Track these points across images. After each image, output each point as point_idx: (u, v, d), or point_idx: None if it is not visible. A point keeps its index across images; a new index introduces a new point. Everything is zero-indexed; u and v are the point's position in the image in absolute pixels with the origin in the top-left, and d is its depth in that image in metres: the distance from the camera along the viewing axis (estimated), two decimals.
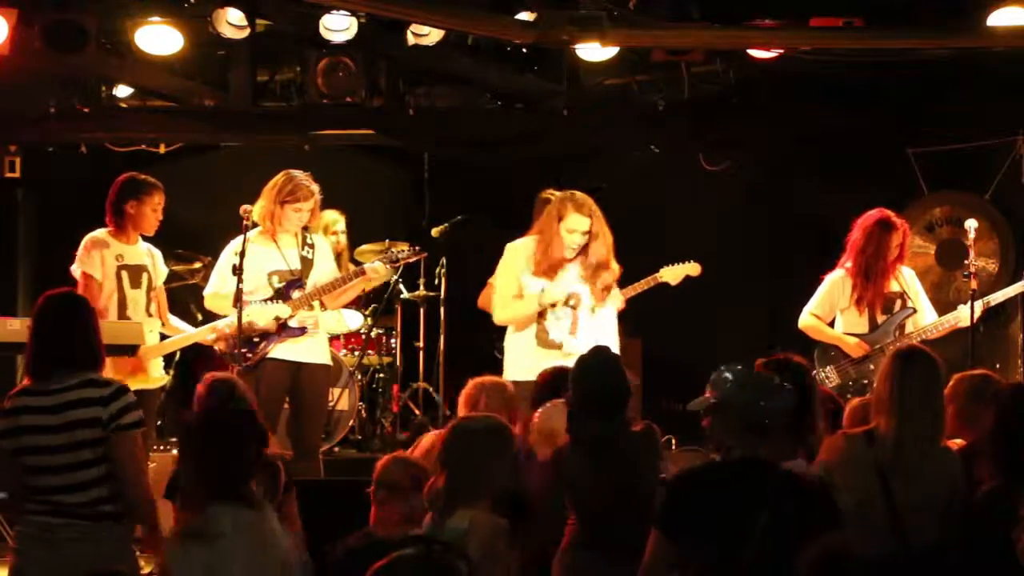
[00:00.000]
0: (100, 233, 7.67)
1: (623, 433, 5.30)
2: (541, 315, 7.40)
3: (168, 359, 9.46)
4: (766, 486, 4.23)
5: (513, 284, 7.44)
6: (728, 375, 4.52)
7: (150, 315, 7.64)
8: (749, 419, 4.40)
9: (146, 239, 7.80)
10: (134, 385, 6.67)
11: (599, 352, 5.57)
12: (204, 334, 7.77)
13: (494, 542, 4.54)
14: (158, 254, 7.87)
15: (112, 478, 4.84)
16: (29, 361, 5.00)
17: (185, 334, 7.83)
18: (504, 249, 7.58)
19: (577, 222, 7.34)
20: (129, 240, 7.68)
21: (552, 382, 6.00)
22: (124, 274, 7.62)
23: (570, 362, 6.94)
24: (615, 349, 6.99)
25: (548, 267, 7.39)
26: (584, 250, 7.41)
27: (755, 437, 4.39)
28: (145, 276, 7.68)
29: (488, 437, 4.78)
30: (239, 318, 7.31)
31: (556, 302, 7.38)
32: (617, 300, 7.64)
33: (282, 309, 7.54)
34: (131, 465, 4.86)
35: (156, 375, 7.68)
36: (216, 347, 7.66)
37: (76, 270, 7.60)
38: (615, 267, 7.52)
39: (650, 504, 5.09)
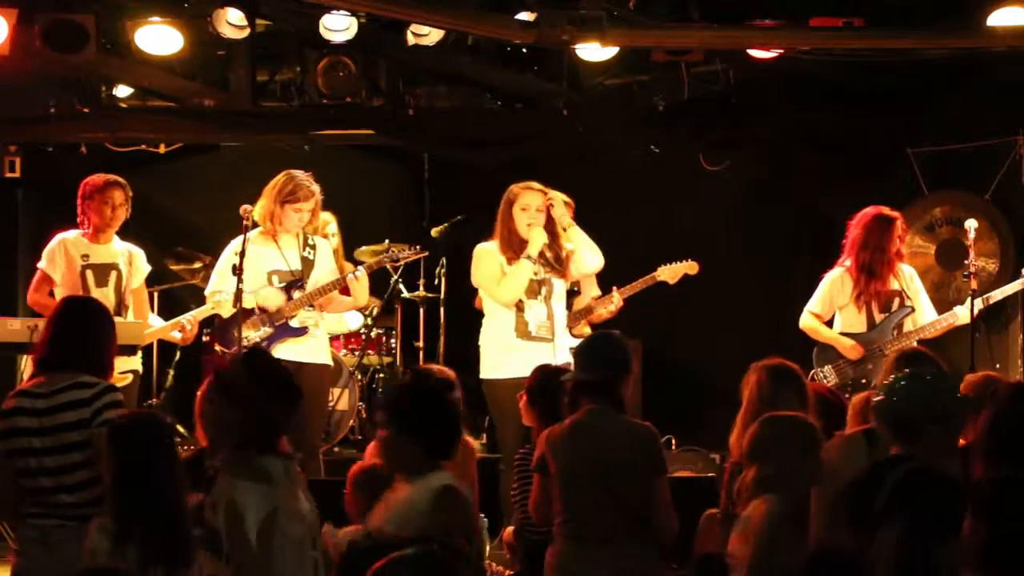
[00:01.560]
0: (70, 233, 7.67)
1: (615, 419, 5.28)
2: (519, 308, 7.44)
3: (167, 359, 9.45)
4: (880, 485, 4.09)
5: (496, 269, 7.48)
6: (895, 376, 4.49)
7: (118, 315, 7.52)
8: (892, 418, 4.38)
9: (124, 237, 7.76)
10: None
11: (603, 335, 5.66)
12: (169, 329, 7.76)
13: (780, 527, 4.60)
14: (139, 253, 7.84)
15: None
16: (37, 360, 5.00)
17: (152, 329, 7.81)
18: (473, 254, 7.60)
19: (529, 199, 7.48)
20: (99, 240, 7.66)
21: (543, 380, 6.01)
22: (89, 273, 7.60)
23: (551, 352, 7.16)
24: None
25: (514, 252, 7.45)
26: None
27: (900, 436, 4.35)
28: (114, 275, 7.66)
29: (793, 433, 4.83)
30: (239, 318, 7.31)
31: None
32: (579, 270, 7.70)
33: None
34: None
35: (117, 373, 7.50)
36: (217, 348, 7.66)
37: (40, 264, 7.62)
38: (566, 246, 7.58)
39: (637, 497, 5.10)
